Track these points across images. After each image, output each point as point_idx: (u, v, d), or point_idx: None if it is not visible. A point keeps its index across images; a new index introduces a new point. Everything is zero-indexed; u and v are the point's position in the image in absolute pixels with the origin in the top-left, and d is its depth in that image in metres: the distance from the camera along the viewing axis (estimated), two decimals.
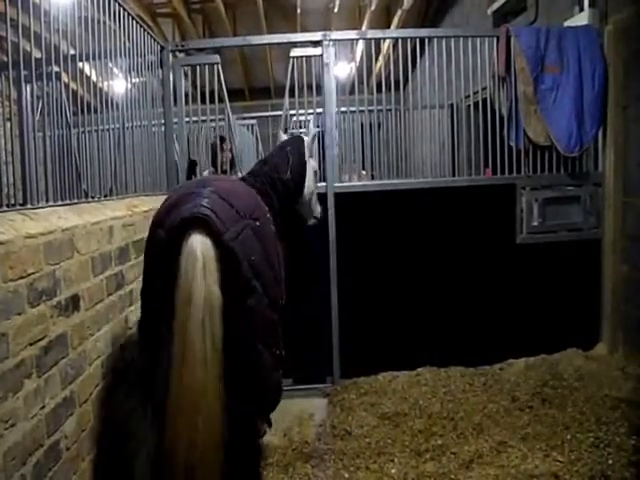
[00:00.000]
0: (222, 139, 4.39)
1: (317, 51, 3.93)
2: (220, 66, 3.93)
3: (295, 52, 3.96)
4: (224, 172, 4.19)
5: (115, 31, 2.96)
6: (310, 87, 3.96)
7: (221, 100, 3.94)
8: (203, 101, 4.03)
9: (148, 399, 2.16)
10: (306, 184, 2.97)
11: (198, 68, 3.99)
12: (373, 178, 4.52)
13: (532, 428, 3.04)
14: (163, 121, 3.98)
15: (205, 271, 1.83)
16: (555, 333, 3.96)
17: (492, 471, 2.66)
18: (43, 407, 1.70)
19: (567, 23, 4.21)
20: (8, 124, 2.56)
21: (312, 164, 3.07)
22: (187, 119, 4.08)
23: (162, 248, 1.95)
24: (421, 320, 3.96)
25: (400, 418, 3.26)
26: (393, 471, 2.74)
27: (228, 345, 1.88)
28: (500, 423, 3.13)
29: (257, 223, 2.05)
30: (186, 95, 4.03)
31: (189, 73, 4.36)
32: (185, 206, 1.95)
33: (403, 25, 8.84)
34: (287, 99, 3.98)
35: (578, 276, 4.04)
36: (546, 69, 3.95)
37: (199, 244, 1.85)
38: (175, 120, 3.99)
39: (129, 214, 2.71)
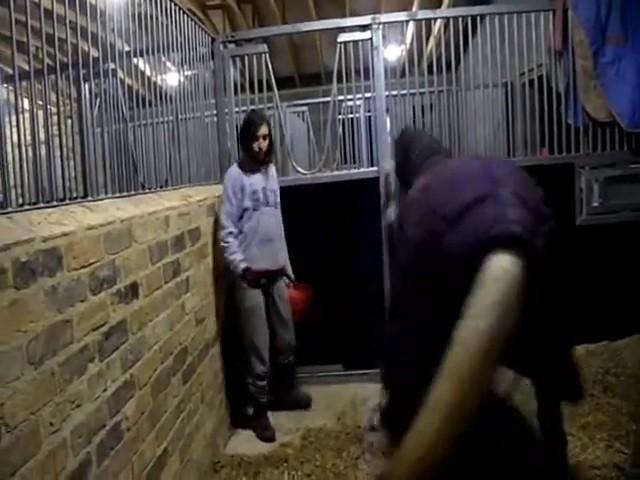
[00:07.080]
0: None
1: (366, 35, 3.88)
2: (268, 55, 3.95)
3: (343, 37, 3.92)
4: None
5: (167, 26, 3.03)
6: (359, 72, 3.93)
7: (270, 89, 3.97)
8: (252, 91, 4.06)
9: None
10: None
11: (247, 58, 4.02)
12: None
13: (593, 417, 2.93)
14: (215, 112, 4.06)
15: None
16: (618, 319, 3.77)
17: None
18: (105, 390, 1.79)
19: None
20: (69, 121, 2.70)
21: None
22: (237, 109, 4.12)
23: (456, 261, 1.57)
24: None
25: None
26: None
27: None
28: None
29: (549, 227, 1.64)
30: (236, 85, 4.08)
31: (238, 63, 4.39)
32: (486, 210, 1.54)
33: (454, 4, 8.56)
34: (335, 85, 3.96)
35: None
36: (608, 40, 3.72)
37: (512, 279, 1.44)
38: (226, 110, 4.07)
39: (184, 204, 2.79)
